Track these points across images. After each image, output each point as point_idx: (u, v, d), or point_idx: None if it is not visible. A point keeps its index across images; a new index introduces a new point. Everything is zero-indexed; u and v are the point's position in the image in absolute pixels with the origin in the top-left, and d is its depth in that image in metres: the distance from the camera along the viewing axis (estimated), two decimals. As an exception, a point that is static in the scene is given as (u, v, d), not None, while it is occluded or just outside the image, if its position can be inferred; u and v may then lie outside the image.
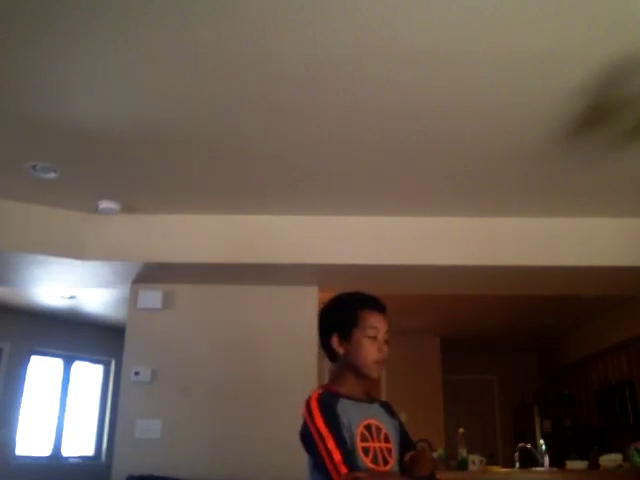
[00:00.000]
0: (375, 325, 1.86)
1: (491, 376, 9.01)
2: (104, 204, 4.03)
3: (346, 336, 1.86)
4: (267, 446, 4.23)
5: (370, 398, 1.93)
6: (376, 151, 3.39)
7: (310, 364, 4.40)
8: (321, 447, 1.69)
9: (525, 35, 2.43)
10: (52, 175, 3.62)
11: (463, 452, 4.94)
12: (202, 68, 2.65)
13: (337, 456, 1.66)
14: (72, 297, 6.25)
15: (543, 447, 5.82)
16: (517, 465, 5.79)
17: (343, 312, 1.92)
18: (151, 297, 4.61)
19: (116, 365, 7.57)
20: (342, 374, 1.89)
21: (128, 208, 4.13)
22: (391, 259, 4.23)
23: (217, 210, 4.23)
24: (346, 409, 1.77)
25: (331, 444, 1.68)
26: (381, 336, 1.86)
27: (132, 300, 4.66)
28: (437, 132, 3.18)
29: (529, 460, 5.87)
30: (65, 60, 2.59)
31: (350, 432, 1.74)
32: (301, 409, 1.78)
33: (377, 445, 1.79)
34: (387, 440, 1.83)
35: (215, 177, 3.74)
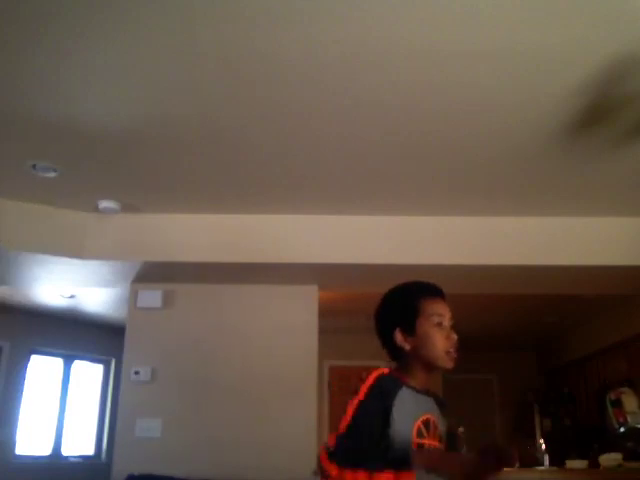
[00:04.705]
0: (439, 311, 1.75)
1: (491, 375, 8.99)
2: (104, 204, 4.03)
3: (410, 329, 1.72)
4: (267, 446, 4.22)
5: (429, 392, 1.81)
6: (376, 151, 3.39)
7: (310, 363, 4.40)
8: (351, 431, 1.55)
9: (525, 35, 2.43)
10: (52, 174, 3.62)
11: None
12: (202, 68, 2.65)
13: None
14: (72, 296, 6.25)
15: (543, 446, 5.82)
16: (517, 464, 5.79)
17: (403, 304, 1.80)
18: (151, 296, 4.62)
19: (116, 364, 7.57)
20: (409, 368, 1.74)
21: (128, 208, 4.14)
22: (391, 259, 4.23)
23: (217, 210, 4.23)
24: (405, 400, 1.62)
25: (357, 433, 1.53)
26: (447, 322, 1.74)
27: (132, 299, 4.67)
28: (437, 132, 3.18)
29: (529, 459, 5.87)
30: (65, 60, 2.59)
31: (406, 425, 1.60)
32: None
33: (431, 443, 1.66)
34: (440, 439, 1.71)
35: (215, 177, 3.74)
